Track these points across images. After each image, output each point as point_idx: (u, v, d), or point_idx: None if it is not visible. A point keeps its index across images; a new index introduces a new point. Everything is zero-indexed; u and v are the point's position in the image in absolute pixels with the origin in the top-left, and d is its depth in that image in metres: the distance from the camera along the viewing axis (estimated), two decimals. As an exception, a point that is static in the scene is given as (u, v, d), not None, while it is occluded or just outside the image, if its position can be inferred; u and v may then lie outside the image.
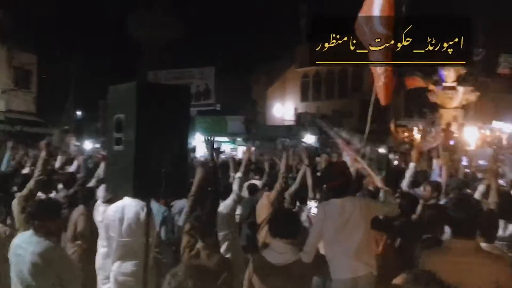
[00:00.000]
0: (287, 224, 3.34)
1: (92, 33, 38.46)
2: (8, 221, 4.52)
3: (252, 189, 6.84)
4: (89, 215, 5.12)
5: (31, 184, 4.54)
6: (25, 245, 3.33)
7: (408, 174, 6.24)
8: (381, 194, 4.16)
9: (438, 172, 6.90)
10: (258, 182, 7.22)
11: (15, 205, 4.42)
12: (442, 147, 9.19)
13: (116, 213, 4.31)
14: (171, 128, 3.20)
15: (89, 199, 5.26)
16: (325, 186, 3.96)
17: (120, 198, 4.29)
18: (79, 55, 30.39)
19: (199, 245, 3.59)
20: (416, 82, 19.32)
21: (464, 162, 10.57)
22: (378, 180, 4.48)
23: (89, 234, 5.03)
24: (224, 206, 4.98)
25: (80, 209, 5.27)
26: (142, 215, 4.09)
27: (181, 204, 5.41)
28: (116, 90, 3.40)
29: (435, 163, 7.45)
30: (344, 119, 27.06)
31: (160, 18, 39.81)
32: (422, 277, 1.87)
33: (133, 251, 4.13)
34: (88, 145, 27.91)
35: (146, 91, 3.20)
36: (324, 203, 3.97)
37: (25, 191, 4.52)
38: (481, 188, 5.36)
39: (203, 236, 3.60)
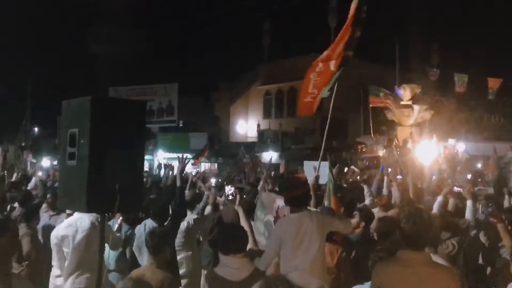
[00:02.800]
0: (236, 239, 3.36)
1: (52, 48, 37.66)
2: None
3: (216, 206, 6.85)
4: (33, 234, 4.98)
5: None
6: None
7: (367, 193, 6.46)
8: None
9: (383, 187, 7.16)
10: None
11: None
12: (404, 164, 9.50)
13: (69, 227, 4.23)
14: (126, 143, 3.19)
15: (32, 217, 5.12)
16: (284, 196, 4.01)
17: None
18: (36, 71, 29.66)
19: (149, 260, 3.56)
20: (378, 100, 19.91)
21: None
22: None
23: (35, 254, 4.89)
24: (185, 223, 4.95)
25: (22, 227, 5.10)
26: (96, 228, 4.03)
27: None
28: (70, 105, 3.37)
29: (385, 178, 7.68)
30: (306, 136, 27.47)
31: (121, 33, 39.42)
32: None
33: (87, 265, 4.05)
34: (46, 162, 27.11)
35: (100, 106, 3.18)
36: (281, 219, 4.03)
37: None
38: (439, 199, 5.52)
39: (154, 252, 3.58)
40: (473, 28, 29.72)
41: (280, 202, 4.60)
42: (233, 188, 6.26)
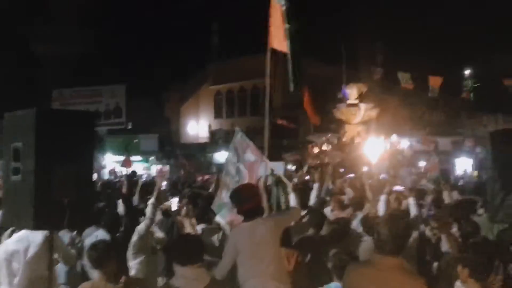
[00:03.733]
0: (194, 249, 3.34)
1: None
2: None
3: (166, 212, 6.75)
4: None
5: None
6: None
7: (314, 194, 6.35)
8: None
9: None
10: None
11: None
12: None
13: (20, 243, 4.02)
14: (75, 156, 3.10)
15: None
16: (236, 208, 4.01)
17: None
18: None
19: (96, 275, 3.47)
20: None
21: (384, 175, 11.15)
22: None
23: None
24: (137, 231, 4.85)
25: None
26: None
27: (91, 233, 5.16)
28: (13, 117, 3.23)
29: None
30: (257, 135, 27.61)
31: (65, 32, 38.04)
32: None
33: (39, 281, 3.85)
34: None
35: (46, 118, 3.07)
36: (234, 229, 4.03)
37: None
38: (382, 197, 5.63)
39: (98, 266, 3.49)
40: (415, 28, 30.96)
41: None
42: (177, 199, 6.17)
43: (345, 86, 21.61)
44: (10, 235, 4.51)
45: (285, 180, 5.57)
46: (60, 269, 4.73)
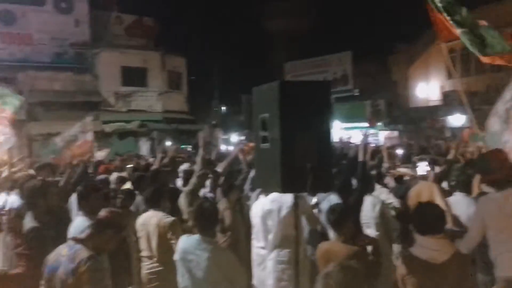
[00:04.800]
0: (434, 218, 3.15)
1: (230, 30, 40.27)
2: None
3: (400, 178, 6.59)
4: (233, 208, 5.29)
5: (194, 180, 4.98)
6: (195, 250, 3.52)
7: None
8: None
9: None
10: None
11: (182, 199, 4.89)
12: None
13: (274, 203, 4.48)
14: (314, 124, 3.27)
15: (230, 192, 5.46)
16: (482, 178, 3.64)
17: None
18: (220, 53, 32.27)
19: (334, 236, 3.60)
20: None
21: None
22: None
23: (236, 227, 5.29)
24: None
25: (223, 202, 5.38)
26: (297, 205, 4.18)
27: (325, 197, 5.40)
28: (259, 91, 3.57)
29: None
30: (499, 95, 24.40)
31: (293, 7, 40.27)
32: None
33: (289, 241, 4.23)
34: (234, 137, 29.66)
35: (288, 89, 3.30)
36: (482, 198, 3.67)
37: (189, 187, 4.97)
38: None
39: (335, 228, 3.65)
40: None
41: None
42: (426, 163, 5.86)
43: None
44: (257, 197, 5.09)
45: None
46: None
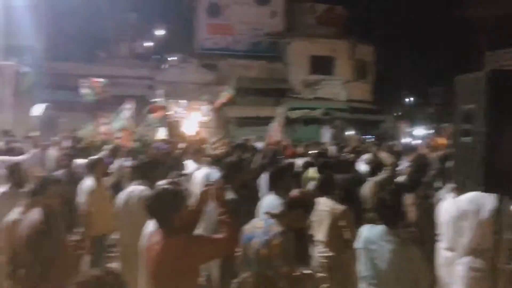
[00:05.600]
0: None
1: (420, 20, 37.70)
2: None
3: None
4: (419, 205, 5.07)
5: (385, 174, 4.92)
6: (379, 241, 3.47)
7: None
8: None
9: None
10: None
11: (367, 188, 4.89)
12: None
13: (471, 204, 4.13)
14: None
15: (416, 188, 5.21)
16: None
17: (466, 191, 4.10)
18: (410, 44, 30.62)
19: None
20: None
21: None
22: None
23: (420, 224, 5.04)
24: None
25: (410, 198, 5.14)
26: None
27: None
28: (464, 80, 3.29)
29: None
30: None
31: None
32: None
33: (486, 247, 3.87)
34: (420, 131, 28.08)
35: (497, 79, 2.97)
36: None
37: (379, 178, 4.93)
38: None
39: None
40: None
41: None
42: None
43: None
44: (446, 195, 4.70)
45: None
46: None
